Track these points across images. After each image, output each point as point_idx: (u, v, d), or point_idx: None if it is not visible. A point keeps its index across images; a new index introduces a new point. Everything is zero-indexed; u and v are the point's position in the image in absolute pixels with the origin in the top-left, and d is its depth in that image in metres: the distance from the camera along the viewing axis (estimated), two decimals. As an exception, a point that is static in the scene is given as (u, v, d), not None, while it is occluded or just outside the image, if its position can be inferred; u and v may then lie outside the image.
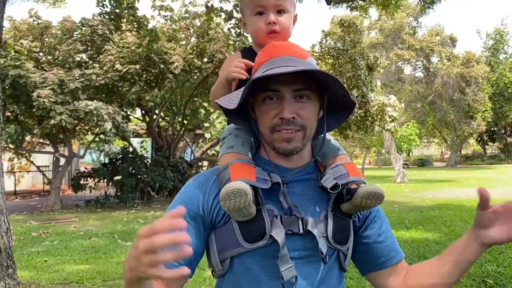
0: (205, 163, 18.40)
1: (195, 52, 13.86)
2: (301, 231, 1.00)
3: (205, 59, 13.93)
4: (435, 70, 33.08)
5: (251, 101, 1.10)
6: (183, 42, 14.83)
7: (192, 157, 17.86)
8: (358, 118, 14.32)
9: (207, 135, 20.17)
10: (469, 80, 31.97)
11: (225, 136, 1.19)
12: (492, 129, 41.41)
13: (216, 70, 13.54)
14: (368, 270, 1.17)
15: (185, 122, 16.25)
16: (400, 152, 27.24)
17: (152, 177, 13.87)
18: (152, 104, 14.07)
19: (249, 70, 1.16)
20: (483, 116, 34.13)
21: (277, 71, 0.95)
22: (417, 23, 32.96)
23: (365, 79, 14.17)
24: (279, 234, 0.97)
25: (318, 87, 1.06)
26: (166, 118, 17.49)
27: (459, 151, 42.44)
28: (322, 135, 1.12)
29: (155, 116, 15.94)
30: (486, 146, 46.66)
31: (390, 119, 15.59)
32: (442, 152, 54.29)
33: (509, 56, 38.34)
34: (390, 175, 24.88)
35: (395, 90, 29.00)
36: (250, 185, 0.97)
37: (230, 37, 13.44)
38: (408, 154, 42.91)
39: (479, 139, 44.52)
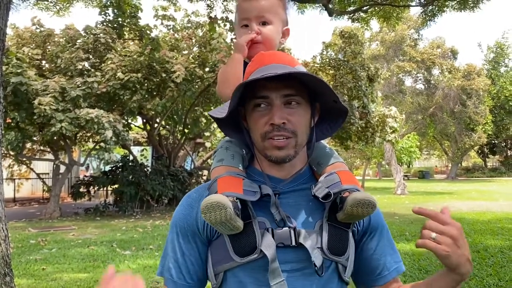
0: (205, 172, 18.36)
1: (197, 62, 13.91)
2: (293, 243, 0.97)
3: (207, 69, 13.98)
4: (436, 82, 33.22)
5: (242, 111, 1.09)
6: (185, 52, 14.90)
7: (192, 166, 17.84)
8: (359, 129, 14.32)
9: (208, 144, 20.18)
10: (470, 93, 32.08)
11: (216, 150, 1.19)
12: (493, 141, 41.41)
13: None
14: (359, 283, 1.16)
15: (186, 131, 16.26)
16: (400, 164, 27.17)
17: (152, 186, 13.84)
18: (153, 112, 14.09)
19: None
20: (483, 129, 34.16)
21: (264, 75, 0.94)
22: (418, 35, 33.12)
23: (366, 90, 14.22)
24: (269, 247, 0.95)
25: (309, 94, 1.05)
26: (167, 126, 17.50)
27: (460, 163, 42.35)
28: (314, 142, 1.10)
29: (156, 125, 15.94)
30: (486, 159, 46.59)
31: (391, 130, 15.60)
32: (435, 167, 54.18)
33: (509, 69, 38.47)
34: (391, 186, 24.81)
35: (396, 101, 29.08)
36: (237, 198, 0.96)
37: (232, 47, 13.48)
38: (409, 166, 42.80)
39: (479, 151, 44.51)
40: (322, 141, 1.19)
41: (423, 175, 42.40)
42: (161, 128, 16.76)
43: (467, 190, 22.32)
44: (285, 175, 1.08)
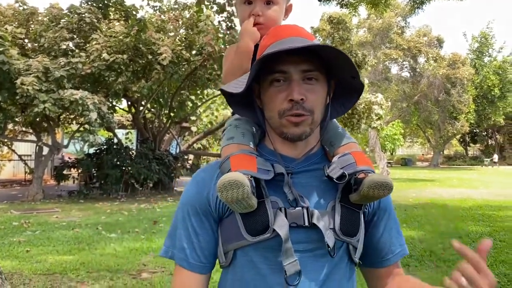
0: (191, 156, 18.30)
1: (183, 44, 13.73)
2: (306, 223, 0.96)
3: (194, 52, 13.82)
4: (422, 71, 33.51)
5: (255, 88, 1.06)
6: (172, 34, 14.68)
7: (178, 150, 17.74)
8: (345, 115, 14.38)
9: (194, 129, 20.05)
10: (454, 82, 32.48)
11: (225, 128, 1.15)
12: (474, 130, 42.12)
13: (205, 63, 13.48)
14: (362, 263, 1.15)
15: (172, 114, 16.11)
16: (384, 151, 27.47)
17: (137, 169, 13.75)
18: (138, 95, 13.90)
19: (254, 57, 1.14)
20: (466, 118, 34.69)
21: (287, 47, 0.91)
22: (405, 23, 33.27)
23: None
24: (282, 227, 0.93)
25: (326, 71, 1.02)
26: (153, 110, 17.32)
27: (442, 151, 43.03)
28: (328, 121, 1.08)
29: (141, 108, 15.76)
30: (468, 147, 47.44)
31: (377, 117, 15.71)
32: (421, 155, 54.96)
33: (493, 59, 39.00)
34: (374, 173, 24.97)
35: (382, 89, 29.26)
36: (252, 176, 0.94)
37: (220, 30, 13.34)
38: (392, 153, 43.32)
39: (461, 140, 45.28)
40: (334, 120, 1.17)
41: (406, 162, 42.99)
42: (146, 111, 16.58)
43: (448, 178, 22.72)
44: (298, 154, 1.05)
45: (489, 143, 45.76)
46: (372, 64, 21.48)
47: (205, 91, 17.04)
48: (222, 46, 13.21)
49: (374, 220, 1.11)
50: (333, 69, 1.02)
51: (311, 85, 0.98)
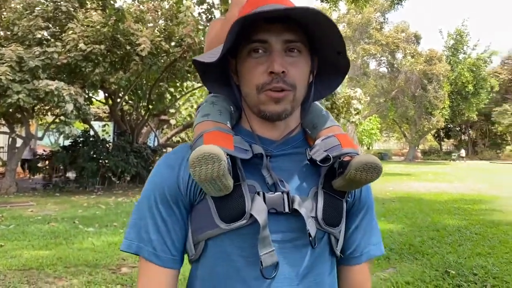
0: (170, 149, 18.08)
1: (163, 35, 13.50)
2: (287, 209, 0.87)
3: (173, 43, 13.61)
4: (399, 66, 33.94)
5: (232, 63, 0.97)
6: (151, 24, 14.42)
7: (156, 143, 17.52)
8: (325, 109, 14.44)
9: (173, 121, 19.82)
10: (431, 78, 33.08)
11: (200, 105, 1.07)
12: (449, 126, 43.03)
13: (185, 55, 13.30)
14: None
15: (150, 107, 15.88)
16: (361, 146, 27.79)
17: (114, 162, 13.51)
18: (116, 86, 13.65)
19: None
20: (441, 113, 35.39)
21: (267, 9, 0.81)
22: (384, 19, 33.61)
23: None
24: (260, 213, 0.84)
25: (309, 43, 0.92)
26: (130, 102, 17.03)
27: (417, 146, 43.86)
28: (311, 101, 1.00)
29: (118, 100, 15.47)
30: (442, 142, 48.46)
31: (355, 112, 15.85)
32: (399, 150, 55.84)
33: (467, 56, 39.82)
34: (352, 167, 25.26)
35: (360, 84, 29.54)
36: (227, 154, 0.85)
37: (200, 22, 13.17)
38: (368, 148, 43.89)
39: (436, 135, 46.20)
40: (316, 102, 1.09)
41: (382, 156, 43.60)
42: (124, 103, 16.29)
43: (424, 172, 23.14)
44: (278, 135, 0.96)
45: (462, 138, 46.83)
46: (351, 59, 21.62)
47: (185, 84, 16.84)
48: (202, 38, 13.06)
49: (352, 212, 1.03)
50: (317, 43, 0.93)
51: (294, 58, 0.89)
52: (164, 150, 16.83)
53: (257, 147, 0.91)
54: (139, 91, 15.64)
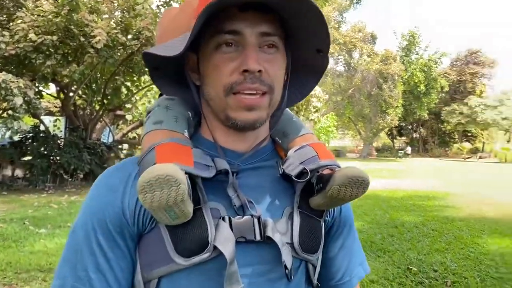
0: (125, 146, 17.59)
1: (119, 28, 13.02)
2: (258, 237, 0.74)
3: (130, 36, 13.16)
4: (356, 66, 34.71)
5: (190, 58, 0.81)
6: (106, 16, 13.88)
7: (111, 140, 16.96)
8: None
9: (129, 117, 19.22)
10: (386, 77, 34.09)
11: (151, 109, 0.88)
12: (401, 124, 44.52)
13: (143, 48, 12.91)
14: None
15: (105, 101, 15.31)
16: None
17: (66, 159, 12.93)
18: (68, 80, 13.04)
19: None
20: (395, 112, 36.57)
21: None
22: (342, 18, 34.21)
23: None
24: (226, 243, 0.70)
25: (285, 38, 0.79)
26: (84, 96, 16.36)
27: (372, 143, 45.13)
28: (284, 107, 0.86)
29: (71, 94, 14.81)
30: (394, 140, 50.09)
31: (314, 110, 15.99)
32: (355, 147, 57.28)
33: (419, 57, 41.30)
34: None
35: (319, 82, 29.99)
36: (186, 173, 0.70)
37: (159, 15, 12.81)
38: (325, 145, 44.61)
39: (389, 133, 47.67)
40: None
41: (338, 153, 44.53)
42: (77, 98, 15.62)
43: (378, 169, 23.73)
44: (246, 147, 0.82)
45: (414, 136, 48.57)
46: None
47: (142, 78, 16.37)
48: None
49: (332, 233, 0.91)
50: (294, 37, 0.79)
51: (270, 55, 0.75)
52: (119, 146, 16.33)
53: (222, 161, 0.77)
54: (94, 85, 15.05)
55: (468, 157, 36.41)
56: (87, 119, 15.76)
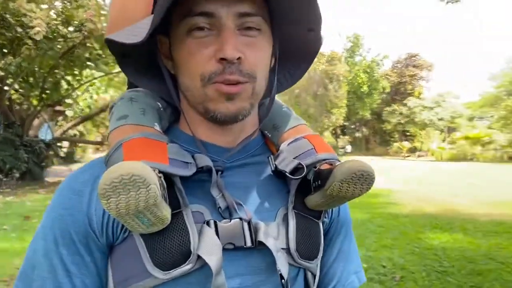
0: (65, 143, 16.80)
1: (60, 19, 12.38)
2: (249, 243, 0.65)
3: (72, 28, 12.56)
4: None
5: (163, 43, 0.72)
6: (45, 6, 13.15)
7: (50, 137, 16.11)
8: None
9: (69, 113, 18.40)
10: (332, 77, 34.97)
11: (115, 103, 0.79)
12: (345, 123, 45.89)
13: (85, 41, 12.37)
14: None
15: (44, 96, 14.51)
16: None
17: (1, 158, 12.15)
18: (3, 73, 12.22)
19: None
20: (339, 111, 37.64)
21: None
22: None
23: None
24: (212, 252, 0.61)
25: (270, 18, 0.70)
26: (21, 90, 15.43)
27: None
28: (273, 96, 0.76)
29: (6, 87, 13.90)
30: (338, 139, 51.53)
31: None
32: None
33: (363, 59, 42.79)
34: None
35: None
36: (161, 172, 0.61)
37: (103, 6, 12.31)
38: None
39: (333, 132, 48.95)
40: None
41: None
42: (13, 92, 14.70)
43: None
44: (231, 141, 0.73)
45: (357, 136, 50.20)
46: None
47: (84, 72, 15.69)
48: (105, 25, 12.25)
49: (329, 236, 0.82)
50: (280, 16, 0.69)
51: (252, 38, 0.66)
52: (59, 144, 15.56)
53: (203, 157, 0.68)
54: (31, 79, 14.21)
55: (408, 156, 38.12)
56: (24, 114, 14.88)
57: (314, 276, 0.75)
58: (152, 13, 0.73)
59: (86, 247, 0.65)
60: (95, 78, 16.93)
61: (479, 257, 5.05)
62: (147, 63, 0.74)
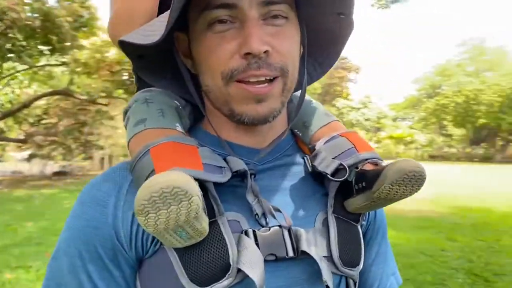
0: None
1: (-23, 6, 11.41)
2: (291, 253, 0.59)
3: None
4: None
5: (181, 40, 0.66)
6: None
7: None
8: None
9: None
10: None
11: (130, 106, 0.72)
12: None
13: (7, 31, 11.51)
14: None
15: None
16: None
17: None
18: None
19: None
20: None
21: None
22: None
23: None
24: (254, 265, 0.56)
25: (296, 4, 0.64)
26: None
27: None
28: (304, 89, 0.71)
29: None
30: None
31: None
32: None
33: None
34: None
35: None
36: (195, 179, 0.54)
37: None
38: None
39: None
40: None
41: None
42: None
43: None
44: (260, 142, 0.68)
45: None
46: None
47: (5, 65, 14.61)
48: (29, 15, 11.50)
49: (367, 239, 0.76)
50: (307, 1, 0.64)
51: (279, 27, 0.60)
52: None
53: (237, 161, 0.62)
54: None
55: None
56: None
57: (355, 283, 0.69)
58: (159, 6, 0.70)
59: (114, 262, 0.60)
60: (18, 71, 15.85)
61: (411, 251, 5.31)
62: (163, 62, 0.69)
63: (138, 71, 0.67)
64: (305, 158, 0.70)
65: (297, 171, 0.70)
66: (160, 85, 0.71)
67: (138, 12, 0.75)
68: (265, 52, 0.57)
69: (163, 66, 0.70)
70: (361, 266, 0.68)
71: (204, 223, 0.54)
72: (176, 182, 0.48)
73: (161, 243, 0.58)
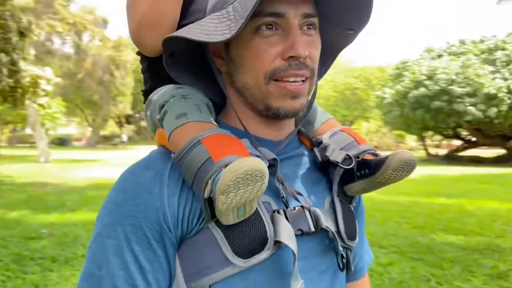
0: None
1: None
2: (312, 229, 0.71)
3: None
4: (86, 49, 33.06)
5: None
6: None
7: None
8: (7, 88, 12.46)
9: None
10: (118, 64, 33.66)
11: (166, 101, 0.75)
12: (129, 113, 45.13)
13: None
14: None
15: None
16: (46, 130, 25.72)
17: None
18: None
19: None
20: (126, 100, 36.67)
21: None
22: (70, -4, 31.84)
23: (17, 44, 12.48)
24: (291, 238, 0.65)
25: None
26: None
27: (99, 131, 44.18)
28: (315, 90, 0.81)
29: None
30: (122, 128, 50.35)
31: (44, 93, 14.36)
32: (84, 134, 54.99)
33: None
34: (31, 154, 23.32)
35: (44, 63, 27.08)
36: None
37: None
38: (49, 132, 41.08)
39: (118, 121, 47.58)
40: None
41: (63, 142, 41.53)
42: None
43: (109, 158, 23.43)
44: (279, 135, 0.78)
45: (142, 125, 49.90)
46: (37, 34, 19.52)
47: None
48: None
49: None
50: (329, 15, 0.75)
51: (312, 37, 0.71)
52: None
53: (268, 151, 0.72)
54: None
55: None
56: None
57: (351, 252, 0.83)
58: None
59: (160, 243, 0.66)
60: None
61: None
62: (189, 61, 0.77)
63: (168, 67, 0.74)
64: (314, 149, 0.81)
65: (305, 161, 0.81)
66: (185, 81, 0.78)
67: (167, 18, 0.79)
68: (306, 57, 0.68)
69: (186, 63, 0.78)
70: (357, 239, 0.81)
71: (255, 203, 0.64)
72: (257, 166, 0.57)
73: (205, 223, 0.66)
